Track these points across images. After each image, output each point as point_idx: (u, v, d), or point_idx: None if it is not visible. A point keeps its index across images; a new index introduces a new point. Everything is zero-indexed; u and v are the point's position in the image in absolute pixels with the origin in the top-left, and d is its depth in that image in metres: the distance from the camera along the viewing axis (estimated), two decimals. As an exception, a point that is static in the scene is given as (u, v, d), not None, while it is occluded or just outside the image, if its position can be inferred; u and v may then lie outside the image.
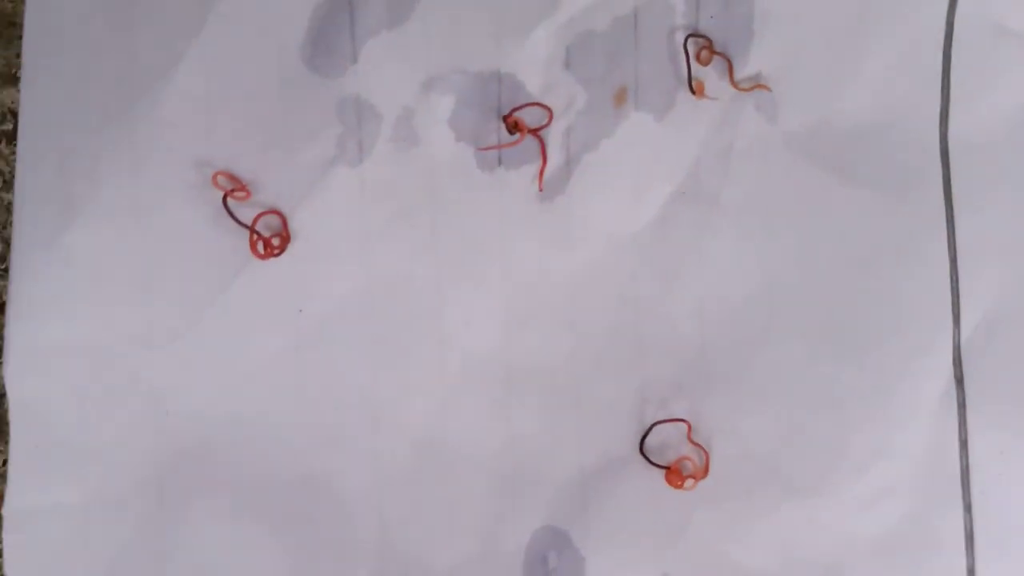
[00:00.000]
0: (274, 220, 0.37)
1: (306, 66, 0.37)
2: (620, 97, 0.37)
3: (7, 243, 0.38)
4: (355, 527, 0.37)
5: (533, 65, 0.37)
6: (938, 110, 0.38)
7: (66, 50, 0.36)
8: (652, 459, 0.37)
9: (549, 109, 0.37)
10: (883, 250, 0.38)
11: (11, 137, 0.38)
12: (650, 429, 0.38)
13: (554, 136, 0.37)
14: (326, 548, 0.37)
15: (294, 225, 0.37)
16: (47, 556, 0.36)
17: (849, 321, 0.38)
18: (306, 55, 0.37)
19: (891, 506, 0.38)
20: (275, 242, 0.37)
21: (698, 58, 0.37)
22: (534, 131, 0.37)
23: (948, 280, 0.38)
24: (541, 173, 0.37)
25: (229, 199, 0.36)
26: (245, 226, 0.36)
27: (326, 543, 0.37)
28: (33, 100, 0.36)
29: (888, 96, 0.38)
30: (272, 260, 0.37)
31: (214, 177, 0.36)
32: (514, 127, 0.37)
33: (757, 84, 0.38)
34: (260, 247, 0.36)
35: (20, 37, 0.37)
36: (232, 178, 0.37)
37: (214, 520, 0.37)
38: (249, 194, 0.37)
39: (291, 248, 0.37)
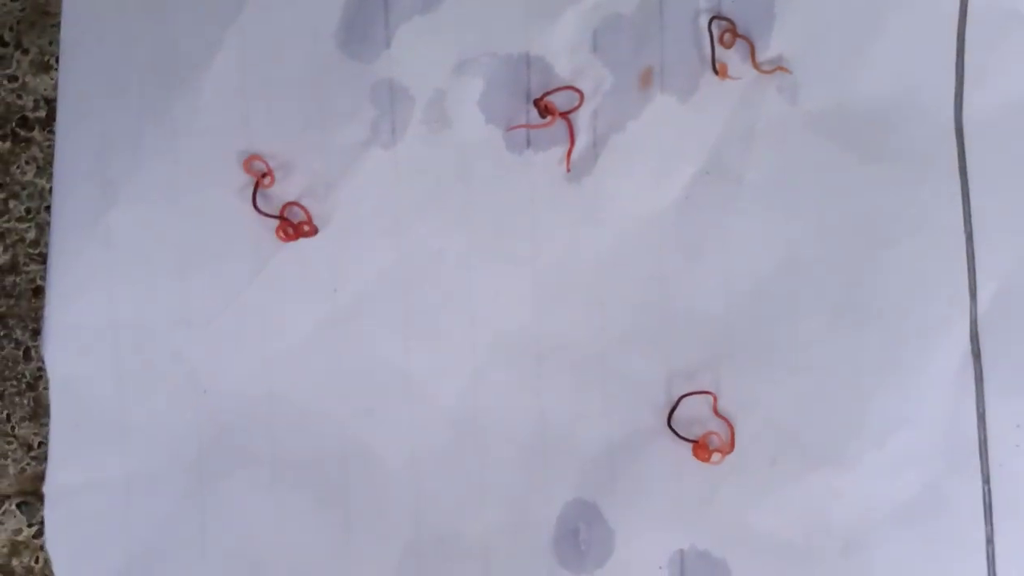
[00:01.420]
0: (299, 211, 0.37)
1: (341, 51, 0.37)
2: (646, 79, 0.38)
3: (41, 228, 0.38)
4: (391, 499, 0.38)
5: (561, 48, 0.38)
6: (953, 90, 0.39)
7: (103, 36, 0.37)
8: (679, 432, 0.38)
9: (580, 92, 0.38)
10: (900, 227, 0.38)
11: (44, 124, 0.38)
12: (678, 402, 0.38)
13: (581, 118, 0.38)
14: (363, 519, 0.38)
15: (328, 205, 0.38)
16: (88, 532, 0.37)
17: (869, 296, 0.38)
18: (341, 40, 0.37)
19: (910, 476, 0.38)
20: (305, 228, 0.37)
21: (721, 40, 0.38)
22: (564, 114, 0.38)
23: (964, 255, 0.38)
24: (569, 154, 0.38)
25: (261, 186, 0.37)
26: (272, 216, 0.37)
27: (363, 515, 0.38)
28: (71, 85, 0.37)
29: (904, 77, 0.39)
30: (308, 240, 0.37)
31: (245, 163, 0.37)
32: (545, 111, 0.38)
33: (778, 67, 0.38)
34: (289, 230, 0.37)
35: (53, 26, 0.38)
36: (262, 161, 0.37)
37: (253, 494, 0.37)
38: (274, 180, 0.37)
39: (326, 228, 0.37)
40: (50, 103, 0.38)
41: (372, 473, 0.38)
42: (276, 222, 0.37)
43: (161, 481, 0.37)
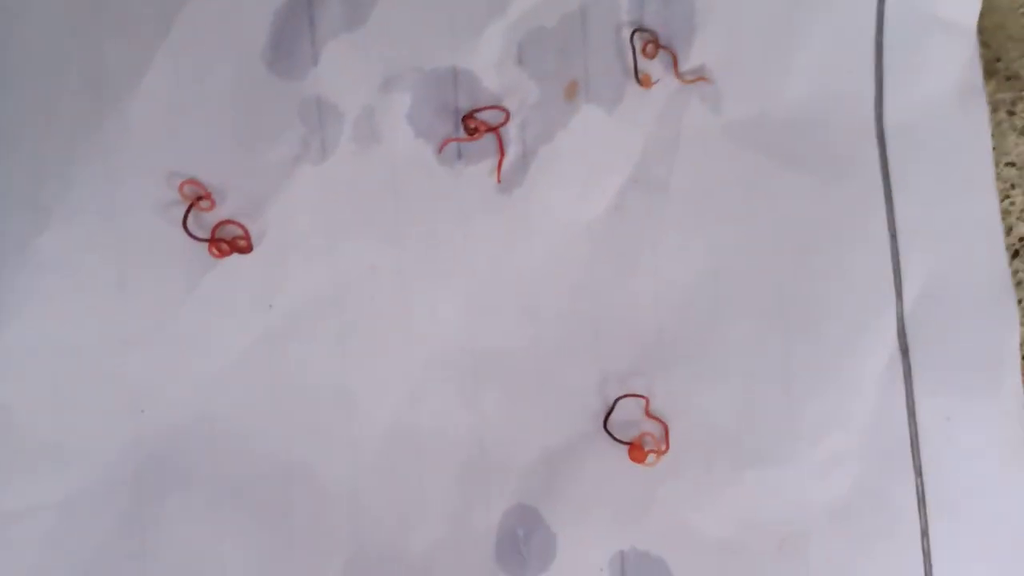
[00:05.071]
0: (237, 228, 0.37)
1: (268, 69, 0.37)
2: (571, 91, 0.39)
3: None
4: (330, 516, 0.38)
5: (488, 62, 0.38)
6: (872, 96, 0.39)
7: (34, 58, 0.37)
8: (615, 435, 0.38)
9: (506, 111, 0.38)
10: (826, 230, 0.39)
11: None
12: (614, 405, 0.38)
13: (510, 130, 0.38)
14: (303, 538, 0.38)
15: (260, 224, 0.38)
16: (27, 557, 0.37)
17: (796, 299, 0.39)
18: (268, 59, 0.37)
19: (844, 473, 0.39)
20: (240, 244, 0.37)
21: (644, 52, 0.39)
22: (492, 128, 0.38)
23: (889, 256, 0.39)
24: (499, 166, 0.38)
25: (196, 207, 0.37)
26: (202, 239, 0.37)
27: (302, 533, 0.38)
28: (2, 108, 0.37)
29: (824, 84, 0.39)
30: (242, 257, 0.37)
31: (180, 187, 0.37)
32: (473, 130, 0.38)
33: (699, 77, 0.39)
34: (223, 246, 0.37)
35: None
36: (198, 185, 0.37)
37: (192, 515, 0.37)
38: (214, 204, 0.37)
39: (260, 245, 0.37)
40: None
41: (311, 491, 0.38)
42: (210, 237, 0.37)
43: (99, 504, 0.37)
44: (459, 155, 0.38)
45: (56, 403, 0.37)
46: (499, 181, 0.39)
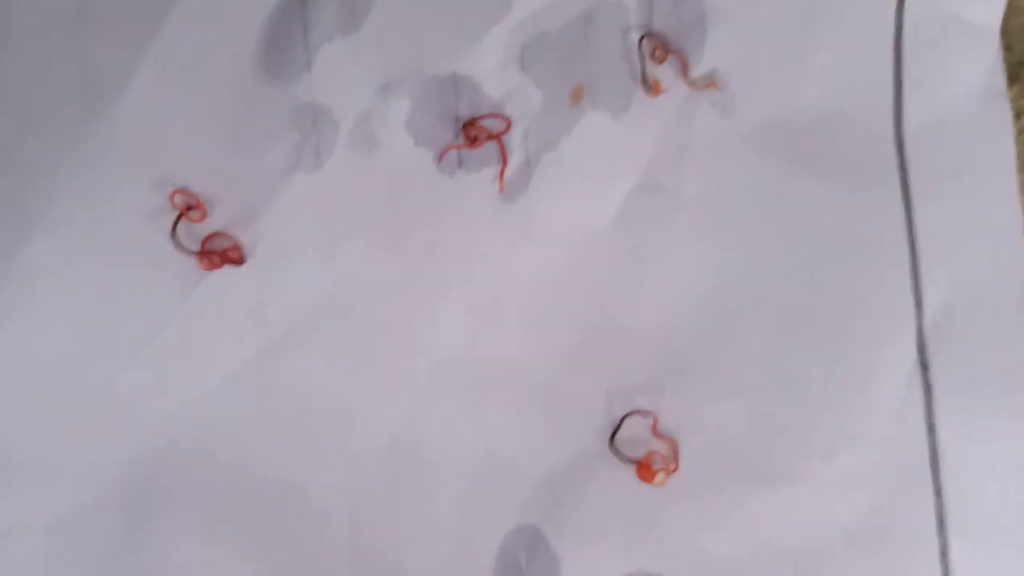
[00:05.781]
0: (225, 239, 0.37)
1: (260, 74, 0.37)
2: (576, 96, 0.38)
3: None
4: (328, 534, 0.37)
5: (489, 67, 0.37)
6: (891, 100, 0.38)
7: (19, 63, 0.36)
8: (622, 453, 0.37)
9: (507, 119, 0.37)
10: (842, 239, 0.38)
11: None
12: (621, 422, 0.38)
13: (513, 136, 0.38)
14: (299, 557, 0.37)
15: (253, 234, 0.37)
16: (14, 579, 0.36)
17: (811, 310, 0.38)
18: (260, 63, 0.37)
19: (860, 492, 0.38)
20: (232, 255, 0.37)
21: (653, 56, 0.38)
22: (493, 136, 0.37)
23: (908, 266, 0.38)
24: (501, 174, 0.38)
25: (185, 218, 0.36)
26: (191, 252, 0.36)
27: (299, 552, 0.37)
28: (-14, 115, 0.36)
29: (841, 89, 0.38)
30: (234, 269, 0.37)
31: (171, 197, 0.36)
32: (474, 140, 0.37)
33: (710, 83, 0.38)
34: (215, 258, 0.36)
35: (-32, 54, 0.37)
36: (188, 195, 0.36)
37: (185, 534, 0.36)
38: (205, 214, 0.36)
39: (253, 256, 0.37)
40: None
41: (308, 508, 0.37)
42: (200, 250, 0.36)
43: (88, 525, 0.36)
44: (460, 163, 0.38)
45: (40, 419, 0.36)
46: (501, 190, 0.38)
